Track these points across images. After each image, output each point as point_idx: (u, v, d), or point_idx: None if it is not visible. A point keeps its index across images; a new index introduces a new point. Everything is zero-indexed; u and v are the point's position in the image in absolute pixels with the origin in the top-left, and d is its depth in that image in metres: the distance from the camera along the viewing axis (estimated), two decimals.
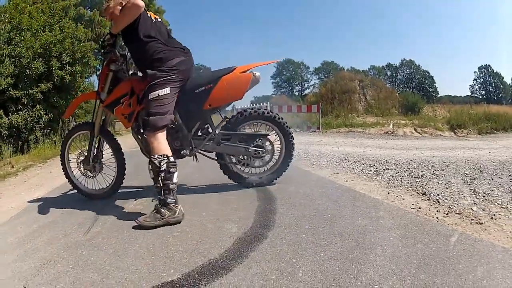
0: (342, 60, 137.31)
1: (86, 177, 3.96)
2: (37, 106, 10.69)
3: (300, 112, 14.32)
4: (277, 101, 25.91)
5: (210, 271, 1.94)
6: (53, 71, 10.88)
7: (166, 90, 3.11)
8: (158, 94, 3.10)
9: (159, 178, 2.95)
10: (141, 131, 3.56)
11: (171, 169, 2.96)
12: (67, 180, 3.95)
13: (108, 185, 3.95)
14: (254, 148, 3.69)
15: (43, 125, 10.73)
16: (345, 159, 5.19)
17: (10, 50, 10.24)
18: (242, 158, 3.82)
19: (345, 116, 15.16)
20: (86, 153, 3.84)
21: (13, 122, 10.10)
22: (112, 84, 3.50)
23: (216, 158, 3.83)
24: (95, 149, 3.81)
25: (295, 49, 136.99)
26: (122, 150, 3.84)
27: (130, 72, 3.64)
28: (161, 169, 2.93)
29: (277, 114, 3.80)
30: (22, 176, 5.96)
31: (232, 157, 3.86)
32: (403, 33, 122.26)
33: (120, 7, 3.21)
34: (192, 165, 4.03)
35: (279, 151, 3.87)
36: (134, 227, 2.88)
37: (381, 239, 2.22)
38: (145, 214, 2.96)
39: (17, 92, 10.43)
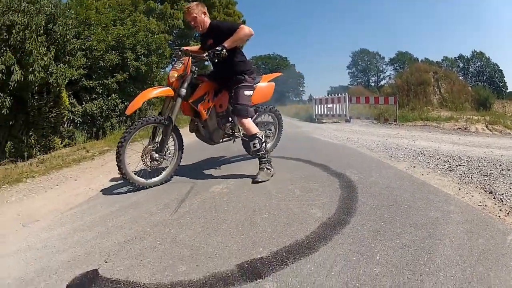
0: (416, 51, 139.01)
1: (150, 168, 4.35)
2: (113, 95, 11.84)
3: (378, 104, 14.28)
4: (354, 92, 26.47)
5: (297, 250, 2.19)
6: (128, 62, 11.99)
7: (252, 91, 4.59)
8: (250, 94, 4.54)
9: (263, 147, 4.39)
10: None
11: (265, 139, 4.67)
12: (120, 173, 4.09)
13: (163, 173, 4.48)
14: (268, 130, 5.53)
15: (119, 113, 11.81)
16: (421, 153, 5.32)
17: (80, 43, 11.14)
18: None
19: (421, 109, 15.05)
20: (154, 145, 4.30)
21: (88, 110, 11.20)
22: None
23: (244, 137, 5.14)
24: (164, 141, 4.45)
25: (369, 38, 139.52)
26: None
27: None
28: (262, 140, 4.43)
29: (277, 109, 5.72)
30: (99, 160, 6.39)
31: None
32: (475, 22, 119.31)
33: (203, 15, 4.39)
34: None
35: (276, 131, 5.86)
36: (253, 182, 3.99)
37: (449, 231, 2.39)
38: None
39: (91, 82, 11.59)
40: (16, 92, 8.71)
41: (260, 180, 4.15)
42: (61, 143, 10.38)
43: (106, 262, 2.46)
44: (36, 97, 9.54)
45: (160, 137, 4.45)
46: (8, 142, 8.92)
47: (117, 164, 4.10)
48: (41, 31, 9.11)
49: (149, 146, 4.35)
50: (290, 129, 12.63)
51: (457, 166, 4.48)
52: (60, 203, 4.14)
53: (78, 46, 11.07)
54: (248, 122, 4.49)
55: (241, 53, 4.68)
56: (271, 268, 2.04)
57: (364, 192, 3.40)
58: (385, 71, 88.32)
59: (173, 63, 4.69)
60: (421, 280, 1.79)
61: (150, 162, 4.33)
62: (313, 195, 3.43)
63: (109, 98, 11.95)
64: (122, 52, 12.27)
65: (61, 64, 9.64)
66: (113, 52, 12.12)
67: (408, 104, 15.91)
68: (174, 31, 26.52)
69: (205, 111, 4.57)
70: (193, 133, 4.98)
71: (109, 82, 11.84)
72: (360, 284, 1.77)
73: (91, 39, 12.07)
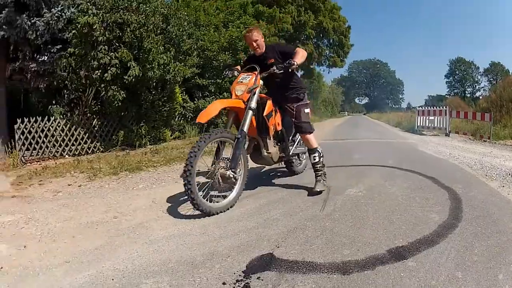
0: (507, 61, 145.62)
1: (220, 190, 4.86)
2: (225, 93, 14.12)
3: (475, 120, 15.82)
4: (451, 103, 29.01)
5: (425, 242, 3.46)
6: (241, 63, 14.29)
7: (309, 109, 5.82)
8: (309, 111, 5.79)
9: (321, 160, 5.61)
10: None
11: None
12: (189, 195, 4.41)
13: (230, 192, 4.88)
14: (303, 148, 6.50)
15: None
16: (509, 175, 6.42)
17: (192, 43, 13.31)
18: (301, 155, 6.89)
19: (511, 126, 15.94)
20: (224, 162, 4.81)
21: (200, 106, 13.50)
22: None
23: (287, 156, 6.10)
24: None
25: (462, 46, 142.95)
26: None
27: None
28: (321, 154, 5.65)
29: None
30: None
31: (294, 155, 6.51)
32: None
33: (262, 39, 5.67)
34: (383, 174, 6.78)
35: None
36: (311, 193, 5.44)
37: None
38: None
39: (204, 80, 14.34)
40: (131, 86, 10.55)
41: (319, 190, 5.39)
42: (171, 136, 12.34)
43: (277, 247, 3.48)
44: (153, 92, 11.45)
45: (231, 152, 4.83)
46: (121, 131, 10.70)
47: (186, 192, 4.39)
48: (158, 31, 10.94)
49: (218, 164, 4.75)
50: (400, 140, 14.52)
51: None
52: None
53: (195, 46, 13.39)
54: (311, 137, 5.70)
55: (296, 74, 5.92)
56: (410, 253, 3.25)
57: (467, 204, 4.71)
58: (480, 82, 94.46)
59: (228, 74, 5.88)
60: (499, 268, 3.00)
61: (221, 183, 4.71)
62: (430, 203, 4.82)
63: (221, 96, 14.21)
64: (234, 54, 14.74)
65: (177, 62, 11.65)
66: (225, 53, 14.63)
67: (501, 121, 16.85)
68: (282, 34, 28.87)
69: (272, 127, 5.50)
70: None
71: (221, 81, 14.33)
72: (466, 266, 3.01)
73: (202, 39, 14.41)
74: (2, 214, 4.80)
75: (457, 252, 3.35)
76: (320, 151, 5.71)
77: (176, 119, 13.97)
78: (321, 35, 40.26)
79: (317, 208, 4.77)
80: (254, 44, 5.59)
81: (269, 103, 5.45)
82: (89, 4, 10.45)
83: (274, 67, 5.30)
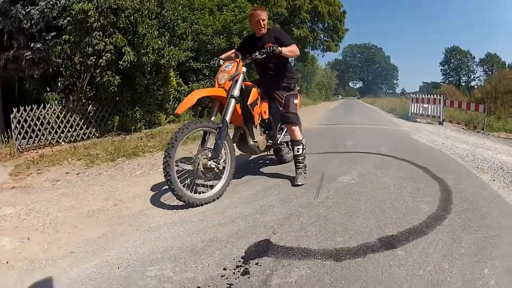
0: (503, 53, 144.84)
1: (204, 180, 4.77)
2: None
3: (469, 110, 15.84)
4: (446, 91, 29.10)
5: (414, 232, 3.62)
6: (235, 47, 14.70)
7: (297, 100, 5.77)
8: (297, 102, 5.73)
9: (304, 152, 5.57)
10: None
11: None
12: (169, 186, 4.45)
13: (218, 183, 4.86)
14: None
15: None
16: (501, 168, 6.63)
17: (186, 26, 13.27)
18: (290, 143, 6.08)
19: (505, 119, 16.03)
20: (205, 152, 4.77)
21: (194, 89, 12.72)
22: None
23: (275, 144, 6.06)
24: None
25: (460, 34, 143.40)
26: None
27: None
28: (304, 147, 5.62)
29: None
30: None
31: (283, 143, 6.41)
32: None
33: (267, 20, 5.47)
34: (375, 164, 6.79)
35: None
36: (293, 186, 5.32)
37: (509, 234, 3.73)
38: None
39: (198, 64, 14.41)
40: (125, 71, 10.61)
41: (300, 183, 5.35)
42: (166, 119, 12.49)
43: (274, 233, 3.62)
44: (147, 77, 11.50)
45: (213, 142, 4.78)
46: (116, 116, 10.83)
47: (167, 182, 4.44)
48: (153, 16, 10.94)
49: (199, 155, 4.70)
50: (393, 127, 14.49)
51: None
52: None
53: (189, 30, 13.37)
54: (297, 129, 5.62)
55: (290, 63, 5.85)
56: (399, 242, 3.38)
57: (457, 196, 4.78)
58: (475, 71, 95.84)
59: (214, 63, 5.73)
60: (485, 262, 3.11)
61: (203, 173, 4.69)
62: (421, 193, 4.92)
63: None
64: (228, 37, 14.86)
65: (171, 47, 11.67)
66: (220, 36, 14.79)
67: (495, 112, 16.94)
68: (276, 17, 29.14)
69: (258, 115, 5.41)
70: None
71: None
72: (453, 258, 3.14)
73: (196, 23, 14.51)
74: (3, 206, 4.81)
75: (445, 243, 3.46)
76: (304, 143, 5.71)
77: (171, 102, 14.05)
78: (316, 19, 40.12)
79: (311, 195, 4.91)
80: (261, 23, 5.48)
81: (254, 90, 5.39)
82: None
83: (257, 53, 5.21)
